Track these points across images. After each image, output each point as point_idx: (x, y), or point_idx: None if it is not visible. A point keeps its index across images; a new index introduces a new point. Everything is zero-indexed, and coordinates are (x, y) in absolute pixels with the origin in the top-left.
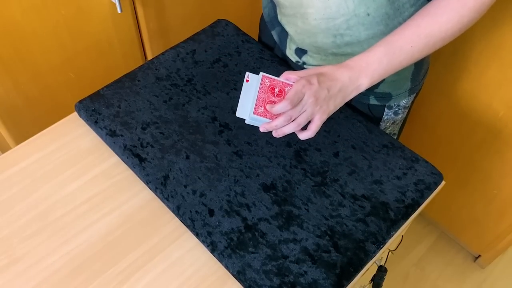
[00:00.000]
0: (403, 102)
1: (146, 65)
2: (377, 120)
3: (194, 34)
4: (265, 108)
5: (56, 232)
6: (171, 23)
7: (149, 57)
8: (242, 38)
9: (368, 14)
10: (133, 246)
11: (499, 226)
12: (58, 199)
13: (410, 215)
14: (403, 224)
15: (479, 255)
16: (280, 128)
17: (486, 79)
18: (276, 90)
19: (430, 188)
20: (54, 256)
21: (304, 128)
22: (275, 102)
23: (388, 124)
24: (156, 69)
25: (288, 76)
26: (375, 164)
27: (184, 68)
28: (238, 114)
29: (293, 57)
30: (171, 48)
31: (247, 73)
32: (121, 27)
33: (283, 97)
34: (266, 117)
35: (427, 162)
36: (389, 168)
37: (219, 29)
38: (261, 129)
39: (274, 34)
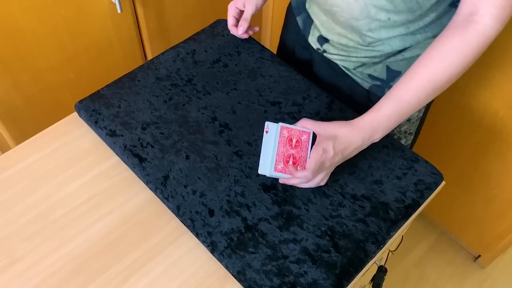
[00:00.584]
0: None
1: (146, 65)
2: None
3: (194, 34)
4: (284, 163)
5: (56, 232)
6: (171, 23)
7: (149, 57)
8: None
9: (389, 19)
10: (133, 246)
11: (499, 226)
12: (58, 199)
13: (410, 215)
14: (403, 224)
15: (479, 255)
16: (298, 184)
17: (486, 79)
18: (294, 141)
19: (430, 188)
20: (54, 256)
21: None
22: (293, 156)
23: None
24: (156, 69)
25: (304, 125)
26: (375, 164)
27: (184, 68)
28: (260, 171)
29: (314, 44)
30: (171, 48)
31: (266, 123)
32: (121, 27)
33: (300, 147)
34: (285, 172)
35: (427, 162)
36: (389, 168)
37: (219, 29)
38: (281, 181)
39: (299, 19)
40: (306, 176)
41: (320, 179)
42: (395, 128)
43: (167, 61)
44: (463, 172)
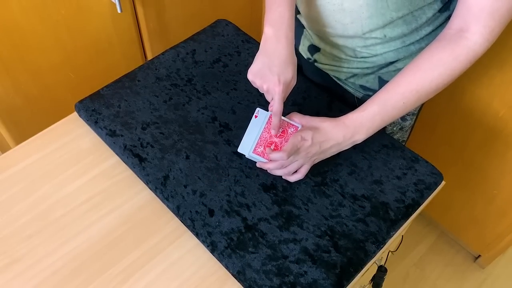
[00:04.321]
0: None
1: (146, 65)
2: None
3: (194, 34)
4: (264, 148)
5: (56, 232)
6: (171, 23)
7: (149, 57)
8: (242, 38)
9: (385, 36)
10: (133, 246)
11: (499, 226)
12: (58, 199)
13: (410, 215)
14: (403, 224)
15: (479, 255)
16: (272, 170)
17: (486, 79)
18: (280, 130)
19: (430, 188)
20: (54, 256)
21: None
22: (275, 144)
23: (395, 129)
24: (156, 69)
25: (293, 118)
26: (375, 164)
27: (184, 68)
28: (240, 149)
29: (305, 54)
30: (171, 48)
31: (257, 109)
32: (121, 27)
33: (284, 138)
34: (263, 157)
35: (427, 162)
36: (389, 168)
37: (219, 29)
38: (257, 165)
39: None
40: (281, 157)
41: (294, 168)
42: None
43: (167, 61)
44: (463, 172)
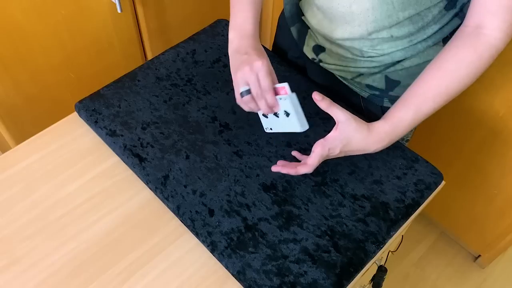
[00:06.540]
0: None
1: (146, 65)
2: None
3: (194, 34)
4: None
5: (56, 232)
6: (171, 23)
7: (149, 57)
8: None
9: (392, 36)
10: (133, 246)
11: (499, 226)
12: (58, 199)
13: (410, 215)
14: (403, 224)
15: (479, 255)
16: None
17: (487, 79)
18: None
19: (430, 188)
20: (54, 256)
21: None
22: None
23: None
24: (156, 69)
25: (336, 114)
26: (375, 164)
27: (184, 68)
28: (303, 128)
29: (309, 54)
30: (171, 48)
31: (285, 84)
32: (121, 27)
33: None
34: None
35: (427, 162)
36: (389, 168)
37: (219, 29)
38: (275, 169)
39: (293, 30)
40: (308, 171)
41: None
42: None
43: (167, 61)
44: (463, 172)
